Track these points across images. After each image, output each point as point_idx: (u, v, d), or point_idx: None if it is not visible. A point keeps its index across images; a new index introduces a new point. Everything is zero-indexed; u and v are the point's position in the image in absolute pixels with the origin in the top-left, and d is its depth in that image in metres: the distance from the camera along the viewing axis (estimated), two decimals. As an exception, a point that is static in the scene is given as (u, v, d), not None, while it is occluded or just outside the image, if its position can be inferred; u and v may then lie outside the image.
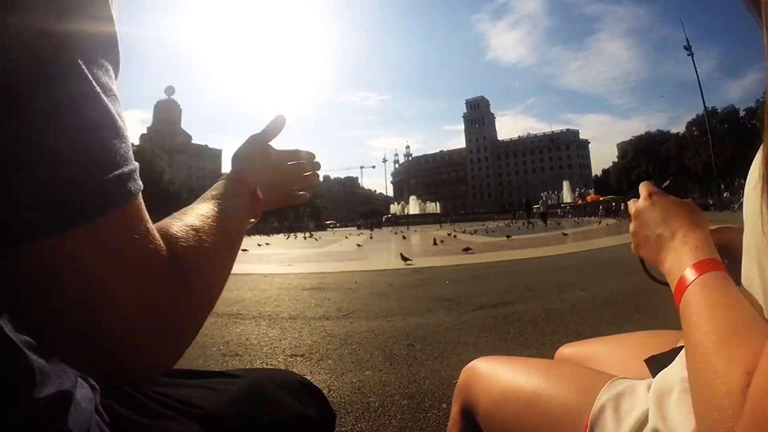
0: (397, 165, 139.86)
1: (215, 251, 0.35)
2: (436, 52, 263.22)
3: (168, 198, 56.82)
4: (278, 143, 0.60)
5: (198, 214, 0.38)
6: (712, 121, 46.30)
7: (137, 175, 0.31)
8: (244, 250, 11.47)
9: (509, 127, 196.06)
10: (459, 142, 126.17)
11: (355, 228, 39.15)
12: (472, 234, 15.96)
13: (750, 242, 0.38)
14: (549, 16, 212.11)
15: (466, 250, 8.07)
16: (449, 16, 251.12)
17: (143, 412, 0.42)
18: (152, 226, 0.31)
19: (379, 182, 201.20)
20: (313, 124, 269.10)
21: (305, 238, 21.61)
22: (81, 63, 0.25)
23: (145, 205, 0.31)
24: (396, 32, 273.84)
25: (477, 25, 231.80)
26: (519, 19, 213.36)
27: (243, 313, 3.63)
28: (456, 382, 0.74)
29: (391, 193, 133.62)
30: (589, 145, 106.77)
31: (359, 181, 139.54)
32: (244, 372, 0.56)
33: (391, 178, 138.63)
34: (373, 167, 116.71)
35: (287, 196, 0.61)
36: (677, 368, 0.46)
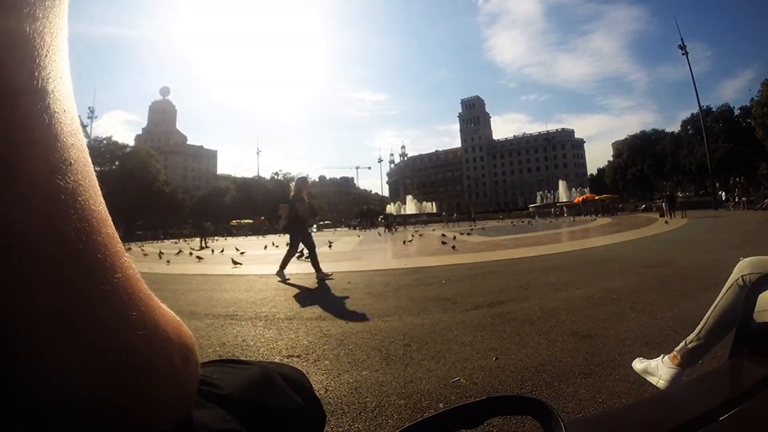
0: (392, 165, 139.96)
1: None
2: (433, 52, 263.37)
3: (163, 199, 56.57)
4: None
5: None
6: (706, 119, 46.54)
7: None
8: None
9: (504, 127, 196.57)
10: (455, 141, 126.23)
11: (349, 229, 38.59)
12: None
13: None
14: (545, 17, 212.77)
15: None
16: (447, 16, 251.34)
17: None
18: None
19: (374, 182, 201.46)
20: (310, 124, 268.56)
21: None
22: None
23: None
24: (393, 33, 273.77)
25: (476, 27, 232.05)
26: (515, 21, 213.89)
27: (239, 315, 3.62)
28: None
29: (386, 193, 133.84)
30: (585, 145, 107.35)
31: (355, 181, 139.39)
32: (255, 362, 0.57)
33: (387, 178, 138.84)
34: (369, 168, 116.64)
35: None
36: None
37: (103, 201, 0.24)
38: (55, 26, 0.22)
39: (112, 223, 0.25)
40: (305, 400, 0.52)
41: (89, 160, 0.24)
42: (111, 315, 0.23)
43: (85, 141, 0.25)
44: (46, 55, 0.21)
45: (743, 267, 1.46)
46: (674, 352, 1.66)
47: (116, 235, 0.25)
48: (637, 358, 1.90)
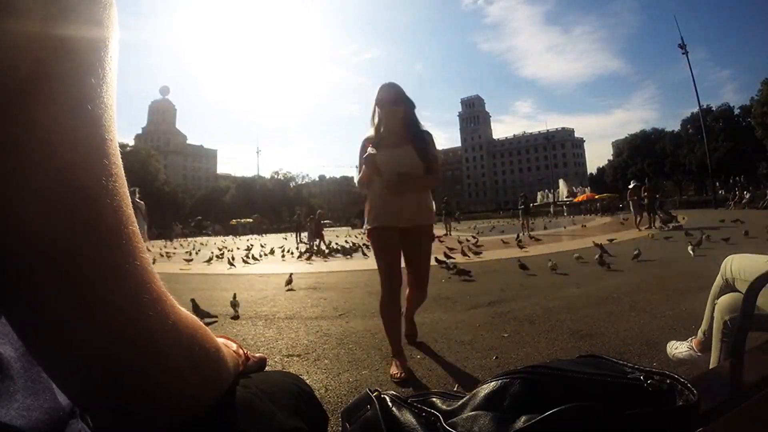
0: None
1: None
2: (434, 50, 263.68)
3: (163, 199, 56.59)
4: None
5: None
6: (706, 119, 46.42)
7: None
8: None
9: (504, 128, 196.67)
10: (456, 140, 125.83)
11: (351, 228, 38.48)
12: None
13: None
14: (545, 19, 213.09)
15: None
16: (448, 12, 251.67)
17: None
18: None
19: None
20: (310, 123, 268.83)
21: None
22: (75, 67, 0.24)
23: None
24: (394, 31, 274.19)
25: (476, 27, 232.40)
26: (517, 28, 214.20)
27: (239, 314, 3.62)
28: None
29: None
30: (584, 144, 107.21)
31: (355, 180, 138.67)
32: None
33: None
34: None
35: None
36: None
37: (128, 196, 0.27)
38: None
39: (135, 221, 0.27)
40: (305, 406, 0.48)
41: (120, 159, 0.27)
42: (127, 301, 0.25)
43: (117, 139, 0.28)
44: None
45: (730, 263, 1.50)
46: (699, 336, 1.69)
47: (139, 234, 0.27)
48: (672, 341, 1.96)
